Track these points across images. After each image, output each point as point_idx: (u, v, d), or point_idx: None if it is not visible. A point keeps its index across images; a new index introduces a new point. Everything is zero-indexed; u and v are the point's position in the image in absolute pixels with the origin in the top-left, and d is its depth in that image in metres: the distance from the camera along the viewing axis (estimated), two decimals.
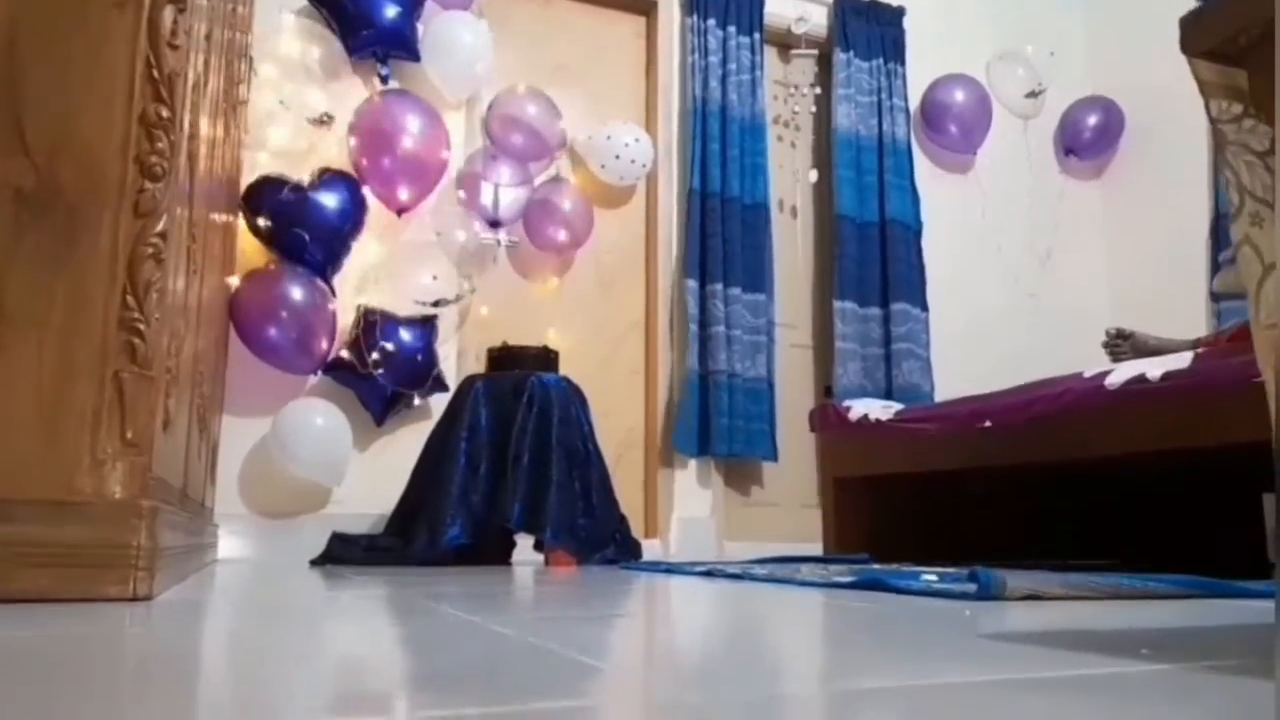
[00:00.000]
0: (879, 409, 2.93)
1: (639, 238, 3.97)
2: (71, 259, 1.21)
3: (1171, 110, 4.28)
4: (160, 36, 1.29)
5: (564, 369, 3.06)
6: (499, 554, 2.64)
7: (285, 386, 3.13)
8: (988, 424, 2.45)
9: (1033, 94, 4.65)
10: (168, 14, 1.29)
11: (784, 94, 4.38)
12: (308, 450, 3.00)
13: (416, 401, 3.25)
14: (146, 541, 1.15)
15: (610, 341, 3.85)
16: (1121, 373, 2.16)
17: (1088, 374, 2.27)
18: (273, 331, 3.03)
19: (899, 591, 1.38)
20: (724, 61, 4.03)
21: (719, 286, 3.79)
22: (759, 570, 2.00)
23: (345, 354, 3.12)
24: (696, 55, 3.99)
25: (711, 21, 4.03)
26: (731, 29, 4.07)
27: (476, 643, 0.82)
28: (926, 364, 4.13)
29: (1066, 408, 2.25)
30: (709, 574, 1.92)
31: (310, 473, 3.04)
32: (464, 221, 3.44)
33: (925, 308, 4.20)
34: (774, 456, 3.82)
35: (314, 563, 2.51)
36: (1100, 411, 2.16)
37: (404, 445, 3.24)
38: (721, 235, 3.85)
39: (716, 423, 3.67)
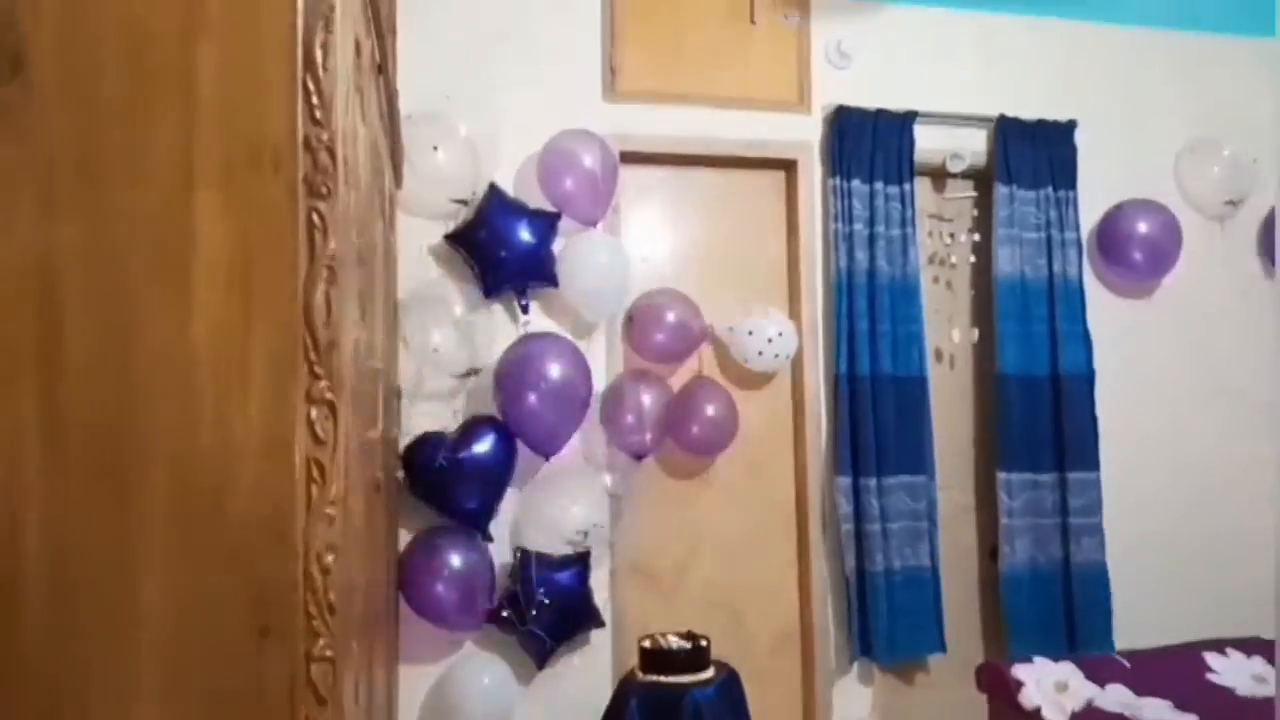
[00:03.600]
0: (1051, 694, 2.79)
1: (786, 421, 3.86)
2: None
3: None
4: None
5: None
6: None
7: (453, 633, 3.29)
8: None
9: (1232, 203, 4.14)
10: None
11: (938, 229, 4.08)
12: (476, 710, 3.17)
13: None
14: None
15: (763, 532, 3.80)
16: None
17: None
18: (437, 593, 3.17)
19: None
20: (871, 222, 3.77)
21: (873, 481, 3.65)
22: None
23: (505, 613, 3.23)
24: (840, 222, 3.75)
25: (856, 181, 3.78)
26: (879, 184, 3.80)
27: None
28: (1101, 538, 3.85)
29: None
30: None
31: None
32: (610, 453, 3.46)
33: (1097, 466, 3.89)
34: (941, 647, 3.70)
35: None
36: None
37: (566, 678, 3.37)
38: (873, 419, 3.68)
39: (876, 628, 3.58)
